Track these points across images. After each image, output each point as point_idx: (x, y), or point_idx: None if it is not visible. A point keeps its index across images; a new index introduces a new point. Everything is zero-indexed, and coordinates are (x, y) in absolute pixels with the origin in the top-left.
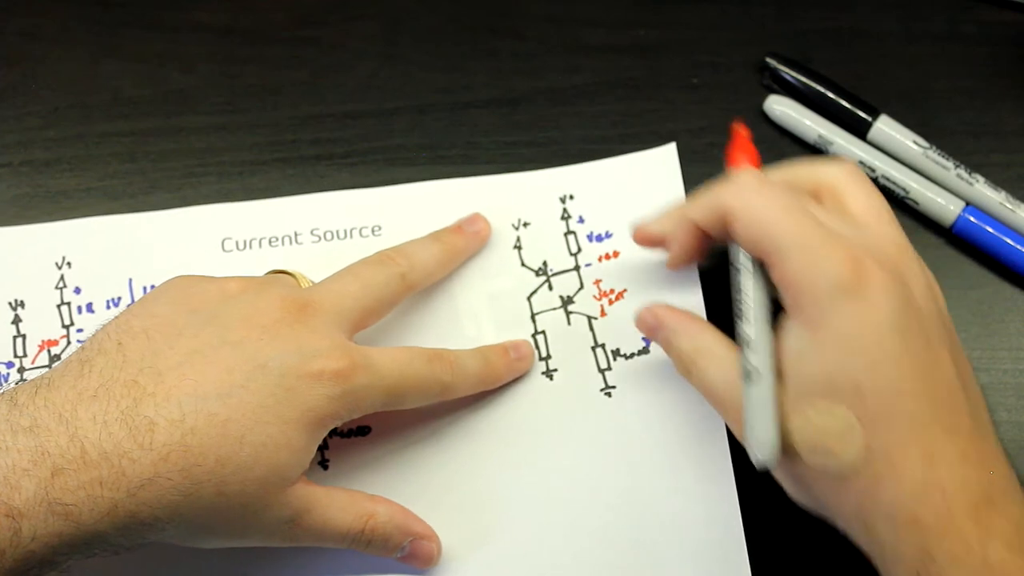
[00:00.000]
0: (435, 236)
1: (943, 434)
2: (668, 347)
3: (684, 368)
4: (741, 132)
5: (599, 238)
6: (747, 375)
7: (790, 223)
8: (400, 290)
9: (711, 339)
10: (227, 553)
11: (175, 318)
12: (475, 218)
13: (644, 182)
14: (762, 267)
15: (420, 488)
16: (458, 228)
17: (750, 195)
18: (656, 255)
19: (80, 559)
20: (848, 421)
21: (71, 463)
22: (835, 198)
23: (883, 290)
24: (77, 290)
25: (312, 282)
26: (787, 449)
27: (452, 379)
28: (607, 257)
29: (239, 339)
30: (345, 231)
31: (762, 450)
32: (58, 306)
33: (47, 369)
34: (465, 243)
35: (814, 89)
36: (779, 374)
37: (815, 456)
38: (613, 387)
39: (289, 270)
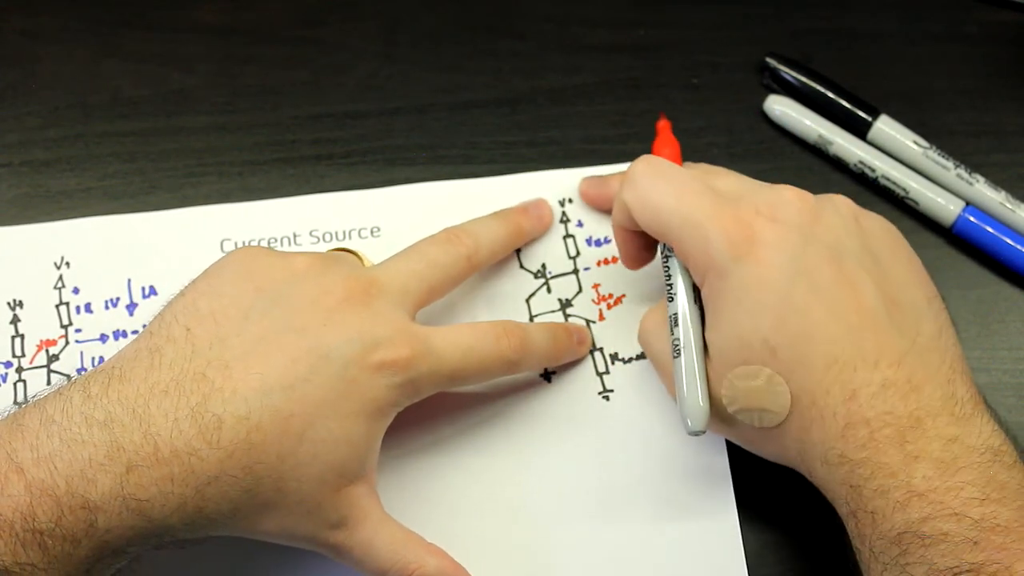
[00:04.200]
0: (501, 216)
1: (864, 367)
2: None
3: (641, 338)
4: (661, 125)
5: (598, 243)
6: (674, 349)
7: (677, 203)
8: (465, 271)
9: (663, 315)
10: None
11: (241, 299)
12: (540, 203)
13: None
14: None
15: (416, 492)
16: (524, 209)
17: (639, 185)
18: (656, 263)
19: (148, 549)
20: (768, 376)
21: (145, 460)
22: None
23: (774, 244)
24: (76, 290)
25: (373, 263)
26: (722, 414)
27: (520, 357)
28: (606, 262)
29: (303, 325)
30: (344, 232)
31: (691, 418)
32: (57, 306)
33: (44, 369)
34: (530, 225)
35: (814, 89)
36: (705, 347)
37: (747, 416)
38: (611, 391)
39: (352, 249)
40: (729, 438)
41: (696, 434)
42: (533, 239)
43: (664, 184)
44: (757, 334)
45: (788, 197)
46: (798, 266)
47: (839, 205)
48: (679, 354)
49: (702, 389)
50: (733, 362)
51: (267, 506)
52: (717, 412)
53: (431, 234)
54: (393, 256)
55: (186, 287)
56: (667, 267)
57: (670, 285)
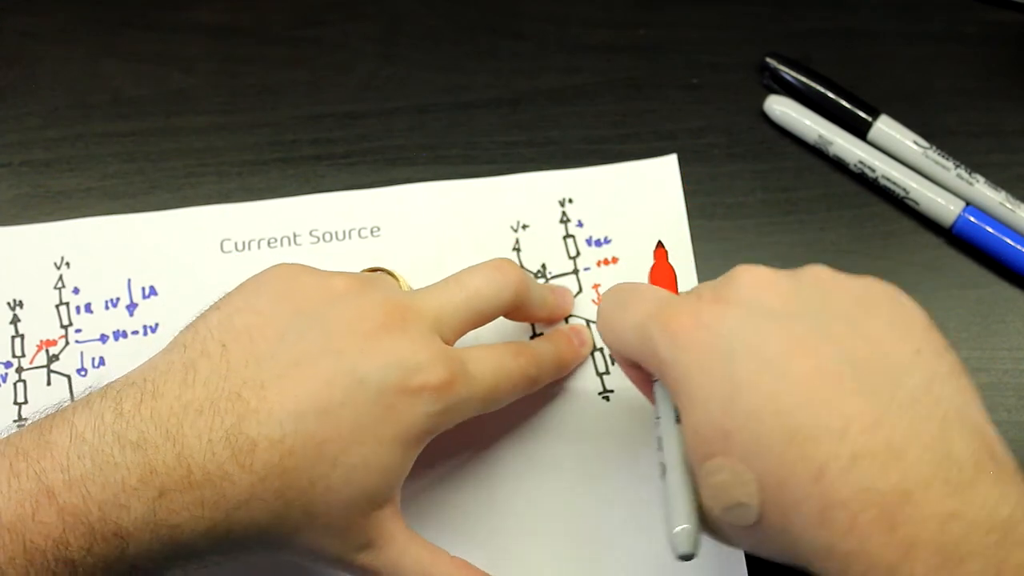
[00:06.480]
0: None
1: (829, 439)
2: None
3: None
4: (657, 256)
5: (598, 243)
6: (660, 472)
7: (625, 313)
8: (507, 305)
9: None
10: None
11: (278, 319)
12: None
13: (644, 191)
14: None
15: (415, 492)
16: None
17: (602, 314)
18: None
19: (178, 570)
20: (730, 467)
21: (177, 484)
22: None
23: (709, 324)
24: (76, 290)
25: (410, 285)
26: (708, 522)
27: (538, 372)
28: (606, 262)
29: (340, 348)
30: (344, 232)
31: (678, 542)
32: (57, 306)
33: (44, 369)
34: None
35: (814, 89)
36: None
37: (731, 515)
38: (611, 391)
39: (389, 269)
40: (727, 544)
41: (685, 558)
42: (563, 316)
43: (619, 302)
44: (709, 422)
45: (748, 277)
46: (737, 343)
47: (813, 275)
48: (661, 475)
49: (688, 512)
50: (700, 461)
51: (295, 529)
52: (705, 522)
53: (484, 261)
54: (436, 283)
55: (221, 300)
56: (653, 391)
57: (656, 408)
